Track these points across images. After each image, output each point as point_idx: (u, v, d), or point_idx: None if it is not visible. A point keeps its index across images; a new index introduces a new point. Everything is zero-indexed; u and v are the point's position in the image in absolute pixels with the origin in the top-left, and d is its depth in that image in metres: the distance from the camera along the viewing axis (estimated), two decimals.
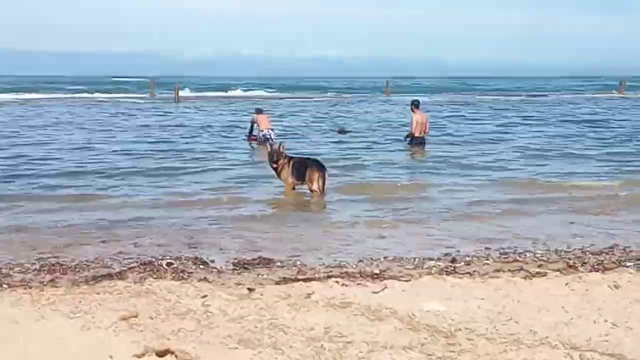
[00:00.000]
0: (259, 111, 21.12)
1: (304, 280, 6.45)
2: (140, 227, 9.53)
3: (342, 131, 23.34)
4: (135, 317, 5.10)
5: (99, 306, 5.36)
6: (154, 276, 6.75)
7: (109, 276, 6.77)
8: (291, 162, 12.43)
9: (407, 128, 21.24)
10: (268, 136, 19.87)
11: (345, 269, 7.20)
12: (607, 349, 4.57)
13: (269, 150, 12.71)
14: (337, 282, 6.13)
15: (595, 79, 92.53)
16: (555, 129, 25.11)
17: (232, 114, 33.33)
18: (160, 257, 7.69)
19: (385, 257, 7.81)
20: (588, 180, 13.75)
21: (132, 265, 7.37)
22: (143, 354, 4.41)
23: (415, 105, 19.91)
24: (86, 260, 7.59)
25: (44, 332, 4.81)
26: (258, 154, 17.48)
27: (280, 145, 12.82)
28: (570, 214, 10.42)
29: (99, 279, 6.64)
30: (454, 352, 4.52)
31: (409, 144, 19.60)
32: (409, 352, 4.49)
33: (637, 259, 7.58)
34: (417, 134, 19.54)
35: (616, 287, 5.91)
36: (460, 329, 4.92)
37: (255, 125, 20.62)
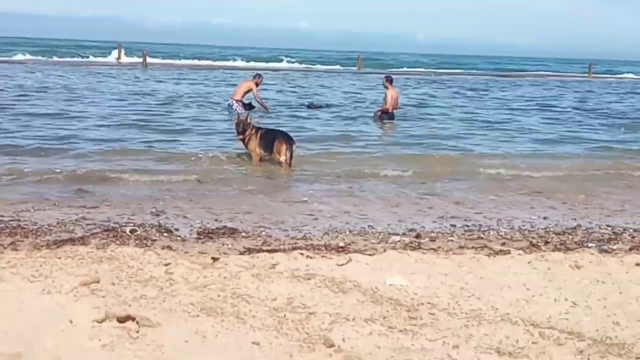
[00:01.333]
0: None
1: (269, 251, 6.46)
2: (104, 193, 9.46)
3: (312, 105, 22.93)
4: (97, 282, 5.08)
5: (59, 270, 5.32)
6: (117, 242, 6.71)
7: (71, 241, 6.71)
8: (259, 134, 12.43)
9: (376, 105, 21.40)
10: (233, 107, 19.91)
11: (310, 241, 7.22)
12: (567, 326, 4.65)
13: (236, 121, 12.71)
14: (302, 254, 6.14)
15: (582, 62, 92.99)
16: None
17: (202, 83, 33.04)
18: (123, 224, 7.65)
19: (350, 231, 7.85)
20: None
21: (94, 231, 7.31)
22: (104, 319, 4.39)
23: (389, 80, 19.99)
24: (48, 225, 7.52)
25: (3, 295, 4.76)
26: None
27: (246, 116, 12.83)
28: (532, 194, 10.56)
29: (61, 243, 6.58)
30: (415, 325, 4.56)
31: (380, 118, 19.68)
32: (371, 324, 4.52)
33: (599, 240, 7.70)
34: (390, 110, 19.66)
35: (577, 267, 6.00)
36: (422, 304, 4.97)
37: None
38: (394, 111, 19.87)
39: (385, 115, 19.63)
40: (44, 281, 5.05)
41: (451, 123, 20.00)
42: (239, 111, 18.93)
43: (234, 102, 20.21)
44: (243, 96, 20.38)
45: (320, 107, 22.95)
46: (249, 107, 20.36)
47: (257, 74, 21.51)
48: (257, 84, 20.46)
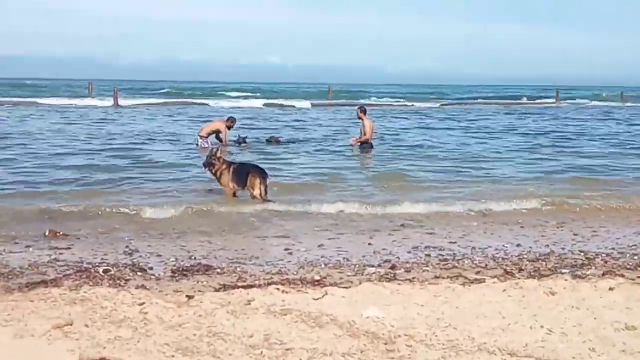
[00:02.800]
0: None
1: (244, 287, 6.42)
2: (76, 234, 9.37)
3: (272, 140, 21.98)
4: (70, 325, 5.01)
5: (32, 314, 5.25)
6: (90, 283, 6.63)
7: (44, 283, 6.62)
8: (231, 168, 12.41)
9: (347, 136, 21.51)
10: (197, 143, 20.25)
11: (285, 276, 7.19)
12: (543, 354, 4.66)
13: (207, 155, 12.75)
14: (277, 288, 6.11)
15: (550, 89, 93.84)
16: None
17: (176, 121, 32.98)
18: (96, 264, 7.57)
19: (325, 264, 7.83)
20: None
21: (67, 272, 7.22)
22: None
23: (363, 111, 20.12)
24: (20, 267, 7.42)
25: None
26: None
27: (216, 150, 12.83)
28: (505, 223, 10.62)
29: (33, 286, 6.48)
30: (393, 358, 4.55)
31: (360, 147, 19.78)
32: (349, 358, 4.51)
33: (572, 266, 7.75)
34: (369, 139, 19.82)
35: (552, 293, 6.03)
36: (399, 335, 4.96)
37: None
38: (372, 141, 20.06)
39: (366, 145, 19.78)
40: (17, 325, 4.97)
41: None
42: (205, 146, 19.17)
43: (200, 138, 20.39)
44: (209, 135, 20.46)
45: (283, 141, 22.07)
46: (243, 140, 20.82)
47: (230, 116, 21.63)
48: (228, 127, 20.57)
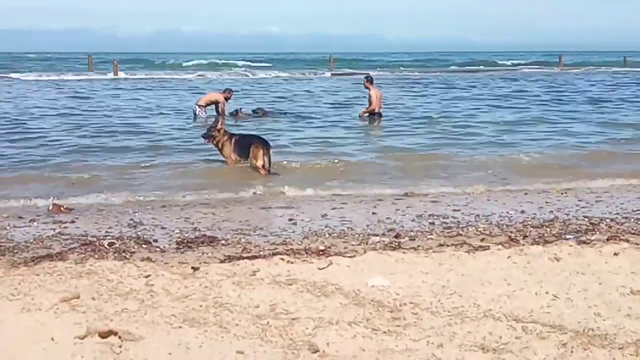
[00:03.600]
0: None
1: (249, 258, 6.43)
2: (80, 207, 9.39)
3: (259, 112, 21.42)
4: (77, 298, 5.03)
5: (38, 288, 5.26)
6: (96, 256, 6.64)
7: (49, 257, 6.63)
8: (233, 139, 12.42)
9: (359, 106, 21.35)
10: (196, 112, 20.35)
11: (290, 246, 7.20)
12: (549, 320, 4.67)
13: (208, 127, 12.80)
14: (282, 259, 6.13)
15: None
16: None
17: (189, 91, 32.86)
18: (101, 237, 7.59)
19: (330, 234, 7.84)
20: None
21: (72, 245, 7.23)
22: (85, 336, 4.35)
23: (369, 80, 19.97)
24: (25, 241, 7.43)
25: None
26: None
27: (217, 121, 12.85)
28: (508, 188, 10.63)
29: (39, 260, 6.50)
30: (399, 326, 4.57)
31: (369, 118, 19.67)
32: (355, 327, 4.52)
33: (577, 232, 7.76)
34: (376, 109, 19.66)
35: (557, 259, 6.04)
36: (405, 304, 4.98)
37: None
38: (381, 110, 19.91)
39: (374, 115, 19.65)
40: (23, 299, 4.99)
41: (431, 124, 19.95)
42: (203, 116, 19.23)
43: (197, 107, 20.44)
44: (207, 105, 20.44)
45: (268, 112, 21.54)
46: (235, 113, 20.53)
47: (227, 88, 21.57)
48: (226, 98, 20.52)
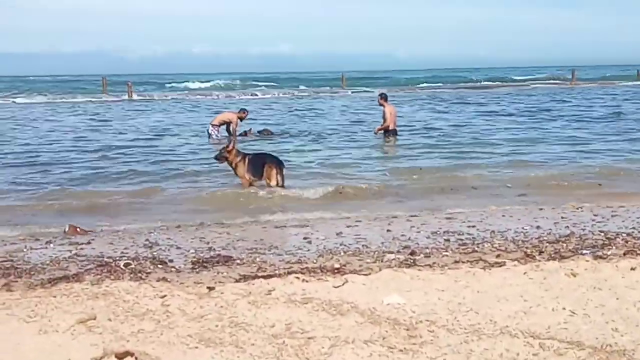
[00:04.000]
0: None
1: (264, 277, 6.43)
2: (96, 228, 9.44)
3: (265, 132, 21.52)
4: (94, 319, 5.04)
5: (55, 309, 5.28)
6: (112, 277, 6.67)
7: (66, 278, 6.67)
8: (247, 159, 12.46)
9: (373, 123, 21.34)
10: (209, 132, 20.57)
11: (305, 265, 7.21)
12: (566, 336, 4.64)
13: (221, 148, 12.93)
14: (297, 277, 6.12)
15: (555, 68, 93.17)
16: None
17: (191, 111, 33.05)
18: (117, 258, 7.62)
19: (345, 252, 7.84)
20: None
21: (88, 267, 7.27)
22: (102, 357, 4.36)
23: (383, 97, 19.99)
24: (41, 263, 7.48)
25: (0, 337, 4.73)
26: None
27: (229, 142, 12.97)
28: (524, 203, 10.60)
29: (55, 281, 6.54)
30: (415, 344, 4.55)
31: (384, 135, 19.63)
32: (371, 345, 4.51)
33: (593, 247, 7.72)
34: (391, 127, 19.63)
35: (573, 274, 6.00)
36: (421, 321, 4.96)
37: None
38: (395, 127, 19.88)
39: (389, 132, 19.60)
40: (40, 321, 5.01)
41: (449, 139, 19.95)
42: (217, 136, 19.36)
43: (210, 127, 20.60)
44: (221, 124, 20.55)
45: (272, 133, 21.55)
46: (244, 134, 20.68)
47: (242, 108, 21.68)
48: (240, 118, 20.60)
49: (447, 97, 43.61)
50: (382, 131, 19.82)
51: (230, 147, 12.67)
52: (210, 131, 20.42)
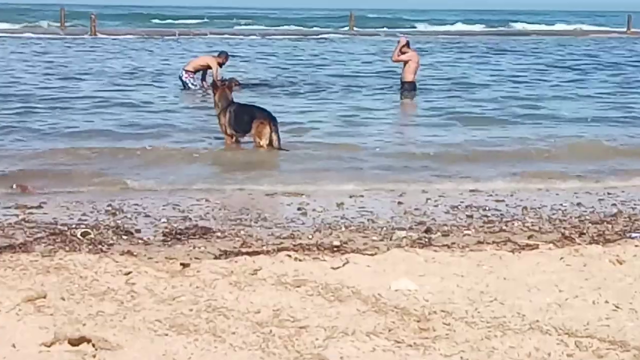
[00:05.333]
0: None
1: (250, 253, 6.45)
2: (49, 186, 9.43)
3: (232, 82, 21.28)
4: (44, 297, 5.05)
5: None
6: (66, 248, 6.68)
7: (11, 248, 6.67)
8: (230, 109, 12.23)
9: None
10: (182, 79, 20.41)
11: (299, 241, 7.22)
12: (608, 334, 4.65)
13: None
14: (289, 255, 6.13)
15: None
16: None
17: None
18: (73, 226, 7.63)
19: (347, 227, 7.85)
20: None
21: (39, 235, 7.28)
22: (53, 343, 4.37)
23: (406, 42, 19.58)
24: None
25: None
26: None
27: (235, 81, 12.88)
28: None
29: None
30: (427, 338, 4.56)
31: (400, 90, 19.31)
32: (374, 338, 4.52)
33: None
34: (410, 79, 19.14)
35: (619, 262, 6.01)
36: (435, 312, 4.98)
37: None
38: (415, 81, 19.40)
39: (407, 86, 19.20)
40: None
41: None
42: (194, 85, 19.26)
43: (184, 72, 20.32)
44: (196, 71, 20.37)
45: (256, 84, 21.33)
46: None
47: (222, 51, 21.48)
48: (220, 64, 20.36)
49: (477, 44, 43.37)
50: (400, 85, 19.57)
51: (233, 83, 12.59)
52: (184, 78, 20.11)
